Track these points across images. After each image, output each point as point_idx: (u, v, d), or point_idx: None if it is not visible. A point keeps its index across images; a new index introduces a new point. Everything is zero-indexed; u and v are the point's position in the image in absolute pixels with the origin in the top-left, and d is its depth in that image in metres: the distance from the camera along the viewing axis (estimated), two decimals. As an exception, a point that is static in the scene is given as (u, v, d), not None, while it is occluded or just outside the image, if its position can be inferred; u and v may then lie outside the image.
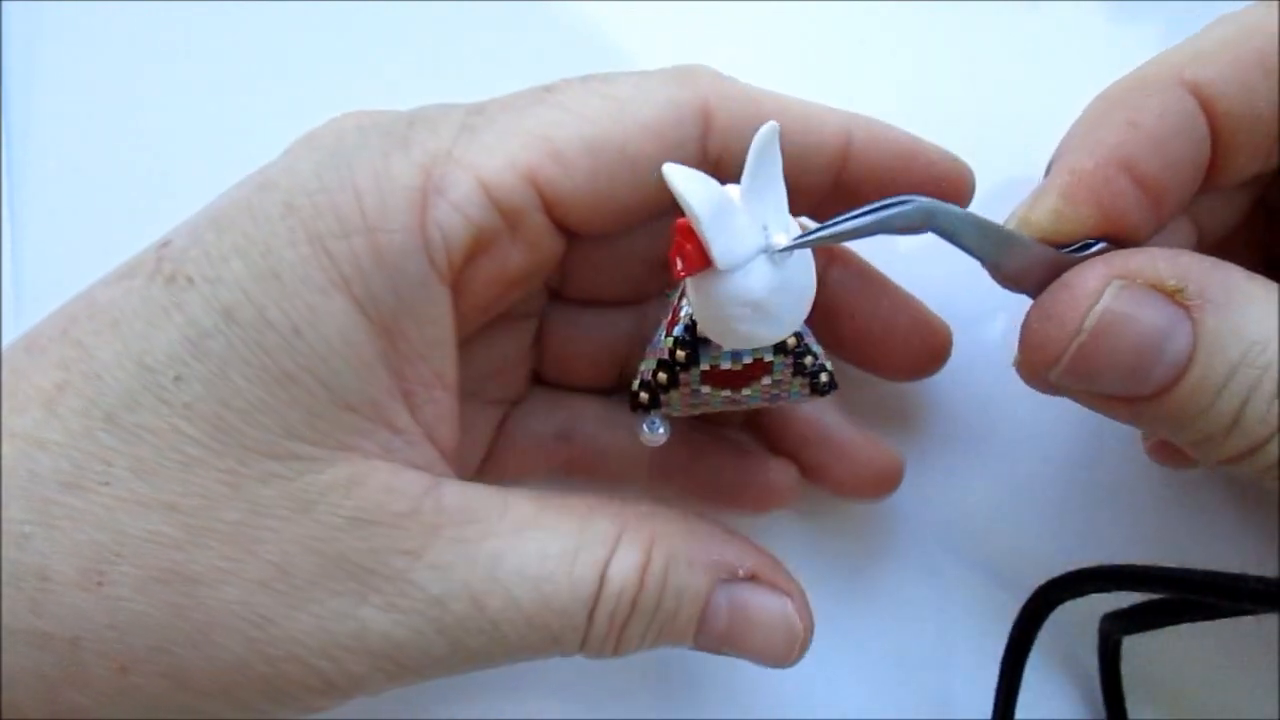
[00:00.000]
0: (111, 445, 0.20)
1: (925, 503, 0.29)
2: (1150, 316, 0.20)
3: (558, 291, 0.27)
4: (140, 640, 0.20)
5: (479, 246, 0.22)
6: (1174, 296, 0.20)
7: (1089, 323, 0.20)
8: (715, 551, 0.23)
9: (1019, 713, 0.26)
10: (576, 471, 0.28)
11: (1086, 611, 0.26)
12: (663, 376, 0.23)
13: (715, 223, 0.19)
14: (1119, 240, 0.21)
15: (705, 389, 0.24)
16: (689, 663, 0.29)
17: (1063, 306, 0.20)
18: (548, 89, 0.23)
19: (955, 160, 0.25)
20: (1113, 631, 0.26)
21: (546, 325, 0.27)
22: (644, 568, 0.22)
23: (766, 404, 0.24)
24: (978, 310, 0.29)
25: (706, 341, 0.23)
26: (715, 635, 0.23)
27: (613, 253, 0.25)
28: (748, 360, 0.23)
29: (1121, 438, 0.29)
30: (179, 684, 0.20)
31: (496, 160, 0.22)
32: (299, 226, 0.21)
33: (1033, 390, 0.22)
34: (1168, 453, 0.27)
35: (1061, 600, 0.25)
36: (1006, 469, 0.29)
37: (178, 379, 0.20)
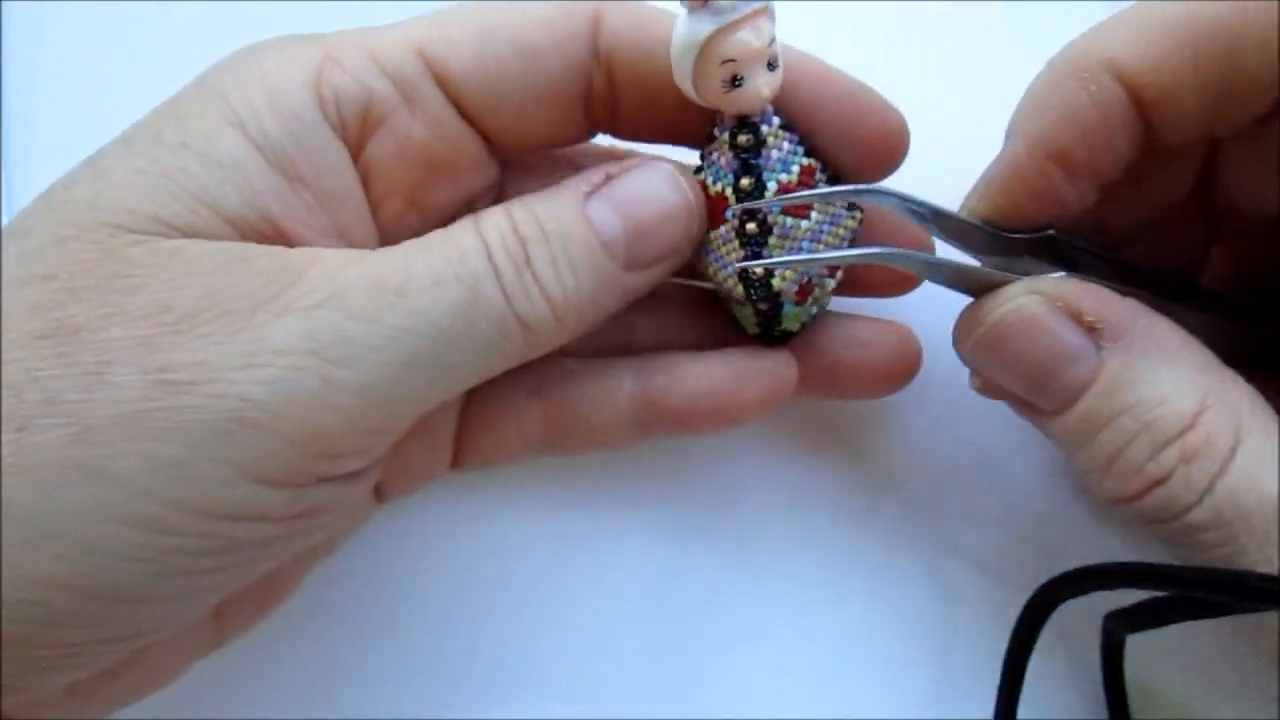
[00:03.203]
0: (6, 249, 0.21)
1: (926, 501, 0.29)
2: (1060, 330, 0.22)
3: None
4: (32, 395, 0.20)
5: (376, 114, 0.23)
6: (1090, 328, 0.22)
7: (1002, 310, 0.23)
8: (562, 183, 0.24)
9: (1021, 712, 0.26)
10: (556, 435, 0.27)
11: (1089, 610, 0.26)
12: (752, 227, 0.24)
13: None
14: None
15: (787, 220, 0.24)
16: (689, 662, 0.29)
17: (988, 299, 0.24)
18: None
19: (893, 111, 0.25)
20: (1116, 630, 0.26)
21: None
22: (506, 211, 0.23)
23: (828, 237, 0.25)
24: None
25: (758, 150, 0.24)
26: (620, 238, 0.24)
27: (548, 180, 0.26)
28: (796, 170, 0.24)
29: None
30: (79, 437, 0.20)
31: (388, 38, 0.24)
32: (205, 86, 0.23)
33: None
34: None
35: (1064, 599, 0.25)
36: (1007, 468, 0.29)
37: (66, 187, 0.22)
